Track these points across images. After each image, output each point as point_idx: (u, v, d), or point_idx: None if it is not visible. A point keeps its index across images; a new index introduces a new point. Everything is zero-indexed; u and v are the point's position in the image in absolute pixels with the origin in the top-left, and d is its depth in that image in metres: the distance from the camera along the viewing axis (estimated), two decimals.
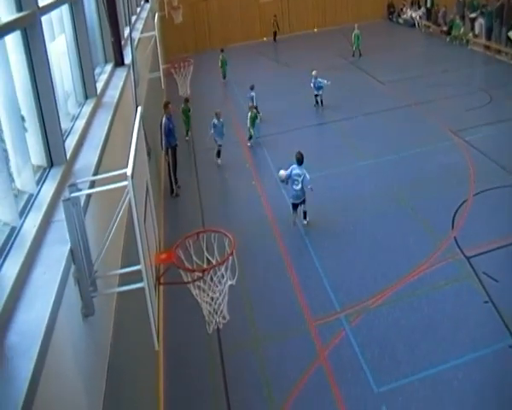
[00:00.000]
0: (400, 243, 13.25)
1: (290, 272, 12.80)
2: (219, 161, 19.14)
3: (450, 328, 10.51)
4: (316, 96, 23.51)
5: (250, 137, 20.33)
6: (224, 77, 29.56)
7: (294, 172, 14.18)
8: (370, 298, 11.52)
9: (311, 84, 23.39)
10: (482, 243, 12.74)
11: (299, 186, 14.15)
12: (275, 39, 37.33)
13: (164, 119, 16.87)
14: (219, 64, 29.48)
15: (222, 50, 29.76)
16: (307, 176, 14.10)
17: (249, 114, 20.11)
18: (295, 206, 14.58)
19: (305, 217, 14.70)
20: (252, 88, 22.27)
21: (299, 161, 14.23)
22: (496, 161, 16.50)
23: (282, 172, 14.48)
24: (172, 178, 17.37)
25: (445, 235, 13.30)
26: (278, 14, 37.77)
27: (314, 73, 23.35)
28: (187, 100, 20.89)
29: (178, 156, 17.71)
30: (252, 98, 22.01)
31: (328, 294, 11.85)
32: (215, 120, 18.97)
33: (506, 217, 13.89)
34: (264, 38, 37.65)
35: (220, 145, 19.15)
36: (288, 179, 14.37)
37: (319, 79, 23.22)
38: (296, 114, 22.65)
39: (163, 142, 17.06)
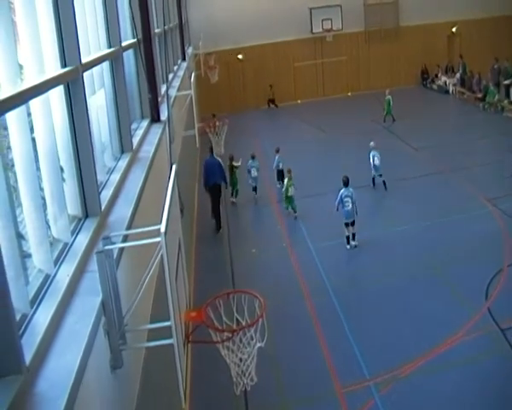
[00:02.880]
0: (432, 312, 12.94)
1: (319, 336, 12.59)
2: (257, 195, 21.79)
3: (485, 402, 10.14)
4: (377, 176, 20.92)
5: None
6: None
7: (344, 194, 16.33)
8: (401, 367, 11.22)
9: (371, 160, 20.94)
10: None
11: (350, 206, 16.27)
12: (269, 106, 37.56)
13: (219, 159, 18.85)
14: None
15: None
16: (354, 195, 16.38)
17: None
18: (347, 224, 16.48)
19: (353, 238, 16.58)
20: (277, 151, 22.39)
21: (346, 183, 16.47)
22: None
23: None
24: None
25: (479, 305, 12.98)
26: (313, 77, 38.48)
27: (372, 144, 21.28)
28: (231, 158, 21.36)
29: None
30: (278, 162, 22.21)
31: (358, 360, 11.59)
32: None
33: None
34: (299, 101, 38.12)
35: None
36: (338, 205, 16.50)
37: (377, 154, 20.82)
38: (329, 177, 22.54)
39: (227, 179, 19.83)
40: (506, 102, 30.16)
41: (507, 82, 30.45)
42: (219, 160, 18.83)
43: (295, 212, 19.40)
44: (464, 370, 10.99)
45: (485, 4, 37.55)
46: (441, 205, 18.87)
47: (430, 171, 22.28)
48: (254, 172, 21.57)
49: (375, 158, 20.78)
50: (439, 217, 17.88)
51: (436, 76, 38.50)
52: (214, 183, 19.08)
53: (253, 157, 21.82)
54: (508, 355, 11.25)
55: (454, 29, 38.77)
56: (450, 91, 36.24)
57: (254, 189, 21.82)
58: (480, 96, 32.25)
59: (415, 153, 24.93)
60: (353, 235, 16.58)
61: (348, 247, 16.57)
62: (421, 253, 15.77)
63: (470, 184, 20.36)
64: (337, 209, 16.71)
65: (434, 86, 38.15)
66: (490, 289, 13.58)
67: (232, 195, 21.62)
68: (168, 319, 4.41)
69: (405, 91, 36.32)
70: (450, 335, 12.00)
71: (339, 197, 16.46)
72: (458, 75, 36.14)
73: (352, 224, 16.49)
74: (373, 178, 21.00)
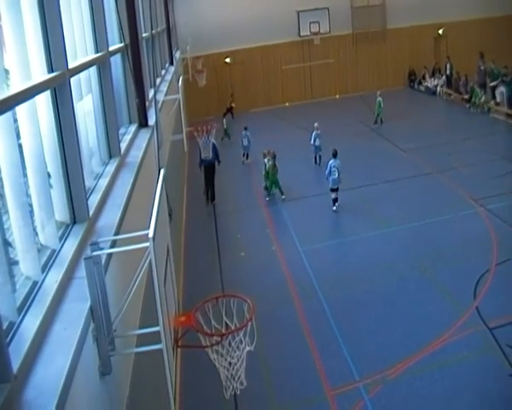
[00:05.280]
0: (421, 312, 13.00)
1: (309, 338, 12.60)
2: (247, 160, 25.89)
3: (474, 401, 10.19)
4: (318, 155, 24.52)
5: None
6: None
7: (332, 165, 19.01)
8: (390, 368, 11.26)
9: (312, 141, 24.42)
10: (506, 315, 12.45)
11: (336, 175, 18.93)
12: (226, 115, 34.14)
13: (213, 140, 19.29)
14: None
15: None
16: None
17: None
18: (332, 190, 19.22)
19: (334, 203, 19.29)
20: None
21: (334, 155, 19.20)
22: None
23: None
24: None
25: (467, 305, 13.05)
26: (301, 80, 38.61)
27: (316, 125, 24.34)
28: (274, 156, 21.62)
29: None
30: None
31: (347, 362, 11.61)
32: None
33: None
34: (286, 104, 38.14)
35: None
36: (328, 175, 19.12)
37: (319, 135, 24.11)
38: (318, 179, 22.67)
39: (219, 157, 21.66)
40: (492, 102, 30.35)
41: (493, 83, 30.61)
42: (213, 141, 19.27)
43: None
44: (453, 369, 11.04)
45: (471, 6, 37.87)
46: (429, 206, 18.94)
47: (418, 172, 22.37)
48: (245, 142, 25.80)
49: (317, 139, 24.23)
50: (427, 218, 17.96)
51: (423, 78, 38.66)
52: (209, 162, 20.79)
53: (245, 128, 25.97)
54: (496, 354, 11.30)
55: (441, 31, 38.98)
56: (438, 93, 36.41)
57: (245, 155, 26.21)
58: (466, 97, 32.44)
59: (403, 154, 25.01)
60: (336, 199, 19.22)
61: (334, 208, 19.26)
62: (410, 254, 15.82)
63: (458, 184, 20.45)
64: (327, 179, 19.32)
65: (422, 88, 38.30)
66: (478, 288, 13.66)
67: (268, 192, 21.69)
68: (157, 325, 4.39)
69: (393, 93, 36.39)
70: (439, 335, 12.06)
71: (328, 167, 19.11)
72: (444, 77, 36.33)
73: (336, 190, 19.12)
74: (315, 157, 24.62)
